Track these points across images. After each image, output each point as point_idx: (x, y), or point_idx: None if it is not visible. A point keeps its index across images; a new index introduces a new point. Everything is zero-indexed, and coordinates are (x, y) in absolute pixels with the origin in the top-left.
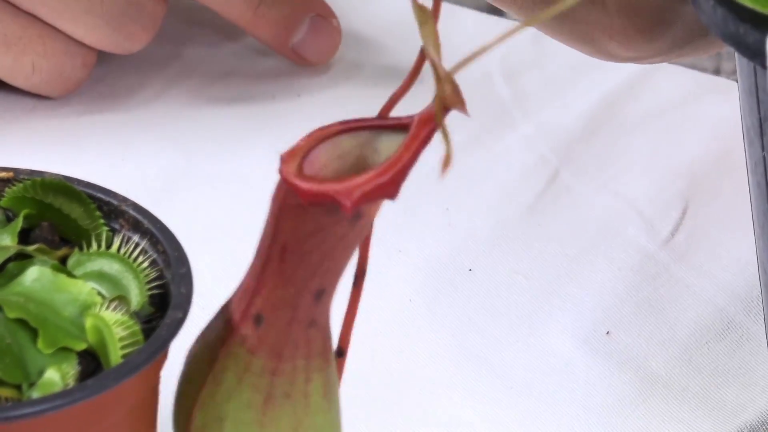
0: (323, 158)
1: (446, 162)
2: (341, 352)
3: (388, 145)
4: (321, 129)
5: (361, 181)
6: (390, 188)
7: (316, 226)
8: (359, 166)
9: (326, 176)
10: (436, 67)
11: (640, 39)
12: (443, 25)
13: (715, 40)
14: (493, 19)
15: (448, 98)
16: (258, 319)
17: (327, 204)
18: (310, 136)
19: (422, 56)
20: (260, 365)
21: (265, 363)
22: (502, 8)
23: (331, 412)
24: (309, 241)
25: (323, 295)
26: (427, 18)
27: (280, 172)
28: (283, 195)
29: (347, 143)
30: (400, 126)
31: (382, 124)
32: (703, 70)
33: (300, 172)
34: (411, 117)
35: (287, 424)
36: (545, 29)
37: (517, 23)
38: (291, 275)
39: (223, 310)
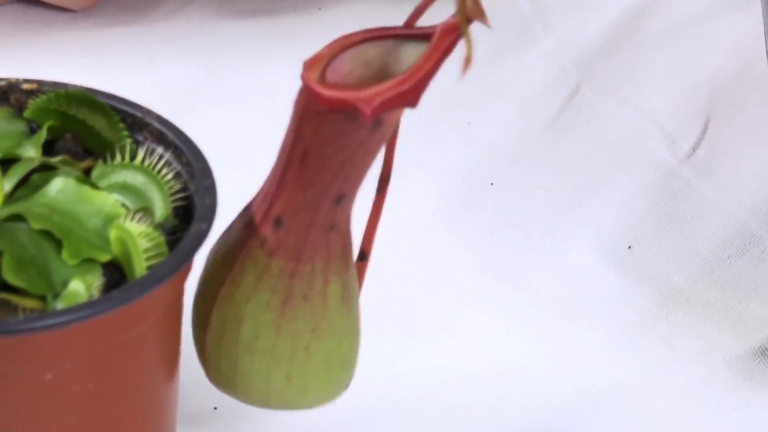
0: (347, 65)
1: (467, 62)
2: (364, 256)
3: (412, 54)
4: (345, 37)
5: (382, 89)
6: (410, 96)
7: (336, 132)
8: (383, 75)
9: (349, 83)
10: None
11: None
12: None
13: None
14: None
15: (470, 10)
16: (278, 222)
17: (347, 111)
18: (333, 43)
19: None
20: (279, 267)
21: (283, 265)
22: None
23: (350, 316)
24: (329, 146)
25: (343, 200)
26: None
27: (302, 78)
28: (305, 101)
29: (371, 51)
30: (424, 36)
31: (407, 33)
32: None
33: (322, 79)
34: (434, 27)
35: (304, 325)
36: None
37: None
38: (311, 180)
39: (243, 214)
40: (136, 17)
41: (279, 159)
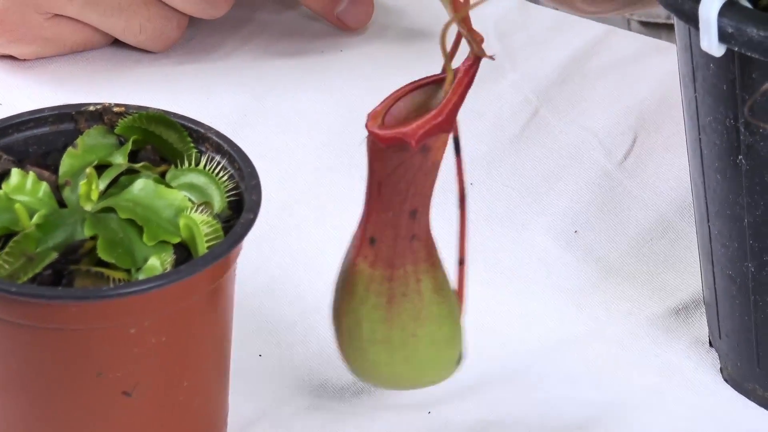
0: (402, 111)
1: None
2: (462, 261)
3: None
4: (397, 90)
5: (422, 122)
6: (444, 125)
7: (397, 161)
8: (428, 112)
9: (403, 124)
10: (471, 34)
11: None
12: None
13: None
14: None
15: (478, 52)
16: (372, 240)
17: (400, 144)
18: (389, 96)
19: (459, 34)
20: (379, 275)
21: (382, 273)
22: None
23: (444, 304)
24: (395, 173)
25: (417, 213)
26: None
27: (366, 126)
28: (371, 143)
29: (418, 97)
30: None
31: (440, 77)
32: (656, 16)
33: (382, 125)
34: (457, 69)
35: (408, 316)
36: None
37: None
38: (388, 202)
39: (350, 244)
40: (201, 57)
41: (366, 193)
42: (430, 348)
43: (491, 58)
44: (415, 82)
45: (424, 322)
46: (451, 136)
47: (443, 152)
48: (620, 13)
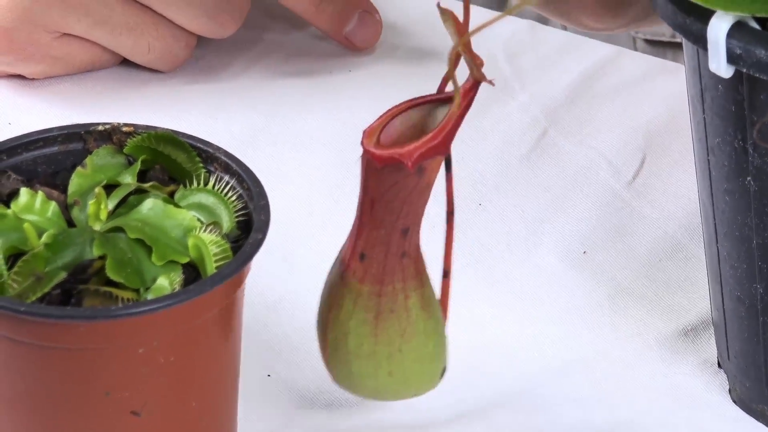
0: (398, 129)
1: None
2: (446, 274)
3: (443, 113)
4: (393, 107)
5: (418, 144)
6: (441, 147)
7: (392, 181)
8: (423, 132)
9: (399, 143)
10: (472, 58)
11: (607, 15)
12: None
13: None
14: (494, 13)
15: (477, 76)
16: (362, 256)
17: (396, 164)
18: (385, 114)
19: (458, 54)
20: (368, 290)
21: (371, 288)
22: None
23: (431, 320)
24: (389, 192)
25: (408, 232)
26: (447, 18)
27: (362, 144)
28: (366, 162)
29: (414, 115)
30: (450, 98)
31: (438, 98)
32: (661, 34)
33: (378, 143)
34: (459, 89)
35: (395, 331)
36: (538, 8)
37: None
38: (381, 220)
39: (338, 257)
40: (210, 77)
41: (357, 209)
42: (415, 363)
43: (491, 83)
44: (411, 100)
45: (410, 338)
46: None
47: (437, 172)
48: (626, 30)
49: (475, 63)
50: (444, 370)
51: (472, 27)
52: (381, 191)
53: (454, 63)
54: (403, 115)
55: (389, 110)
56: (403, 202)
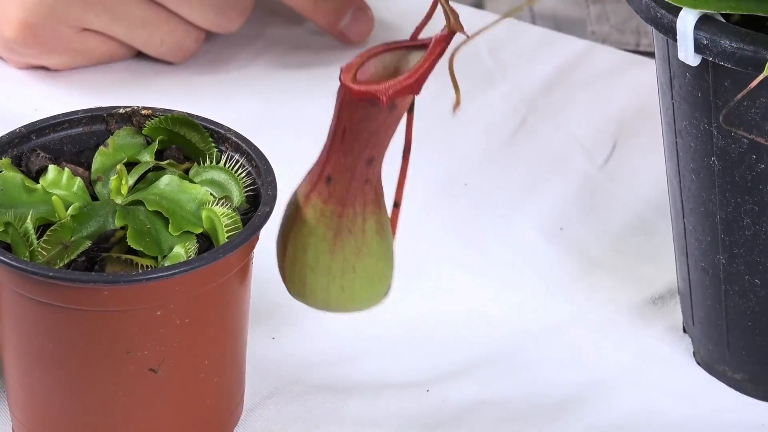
0: (372, 69)
1: (458, 104)
2: (396, 204)
3: (416, 58)
4: (370, 49)
5: (393, 83)
6: (414, 87)
7: (364, 114)
8: (396, 74)
9: (372, 81)
10: (449, 9)
11: None
12: (442, 18)
13: None
14: (479, 12)
15: (454, 25)
16: (328, 180)
17: (371, 99)
18: (362, 54)
19: (434, 5)
20: (330, 210)
21: (333, 209)
22: None
23: (383, 243)
24: (360, 124)
25: (373, 161)
26: None
27: (340, 79)
28: (343, 94)
29: (389, 58)
30: (424, 45)
31: (412, 44)
32: (626, 44)
33: (354, 79)
34: (430, 38)
35: (351, 250)
36: None
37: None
38: (349, 148)
39: (305, 178)
40: (218, 68)
41: (328, 136)
42: (365, 281)
43: (465, 34)
44: (386, 44)
45: (364, 257)
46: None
47: (405, 110)
48: None
49: (452, 12)
50: (388, 290)
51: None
52: (353, 122)
53: (428, 14)
54: (379, 57)
55: (366, 51)
56: (371, 134)
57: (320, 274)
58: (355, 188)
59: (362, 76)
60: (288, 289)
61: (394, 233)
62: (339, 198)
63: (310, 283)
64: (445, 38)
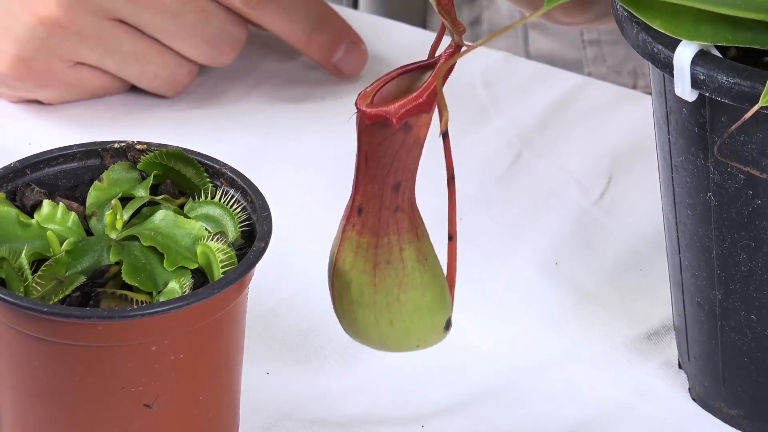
0: (391, 92)
1: (444, 124)
2: (451, 237)
3: (428, 76)
4: (387, 74)
5: (403, 102)
6: (424, 106)
7: (381, 137)
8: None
9: (388, 104)
10: (452, 23)
11: (576, 10)
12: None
13: None
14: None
15: (459, 40)
16: (360, 210)
17: (383, 120)
18: (379, 79)
19: (442, 27)
20: (366, 242)
21: (368, 240)
22: None
23: (428, 273)
24: (380, 148)
25: (400, 186)
26: None
27: (356, 104)
28: (359, 120)
29: (405, 80)
30: (436, 63)
31: (427, 63)
32: (623, 85)
33: (370, 104)
34: (440, 56)
35: (392, 281)
36: (514, 1)
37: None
38: (374, 175)
39: (343, 214)
40: (211, 102)
41: (355, 167)
42: (413, 313)
43: (468, 45)
44: (402, 67)
45: (407, 288)
46: (439, 122)
47: (425, 131)
48: (594, 26)
49: (456, 28)
50: (448, 324)
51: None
52: (372, 147)
53: (440, 32)
54: (396, 80)
55: (383, 76)
56: (392, 158)
57: (367, 309)
58: (386, 217)
59: (380, 100)
60: (343, 328)
61: (452, 267)
62: (372, 228)
63: (360, 320)
64: (451, 54)
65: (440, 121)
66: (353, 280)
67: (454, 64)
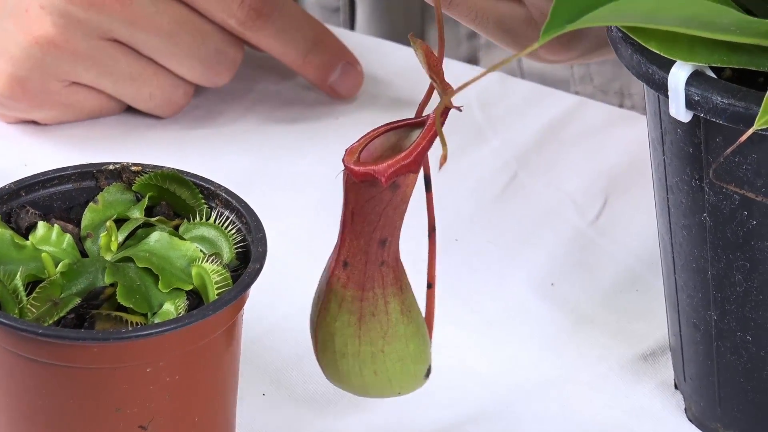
0: (378, 149)
1: (443, 160)
2: (430, 285)
3: (416, 135)
4: (373, 130)
5: (392, 162)
6: (412, 165)
7: (369, 195)
8: (400, 153)
9: (375, 161)
10: (441, 84)
11: (561, 48)
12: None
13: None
14: (474, 69)
15: (447, 103)
16: (345, 264)
17: (371, 179)
18: (366, 135)
19: (432, 85)
20: (351, 295)
21: (354, 293)
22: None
23: (412, 324)
24: (367, 205)
25: (386, 242)
26: (417, 47)
27: (343, 161)
28: (347, 177)
29: (392, 137)
30: (424, 122)
31: (414, 121)
32: (610, 104)
33: (358, 161)
34: (428, 116)
35: (377, 334)
36: (499, 41)
37: (492, 65)
38: (360, 230)
39: (326, 266)
40: (207, 123)
41: (341, 221)
42: (397, 363)
43: (459, 109)
44: (389, 123)
45: (391, 340)
46: (422, 175)
47: (412, 189)
48: (580, 62)
49: (445, 90)
50: (429, 371)
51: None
52: (360, 204)
53: (428, 92)
54: (383, 137)
55: (370, 132)
56: (379, 215)
57: (351, 360)
58: (372, 271)
59: (367, 157)
60: (325, 375)
61: (431, 314)
62: (357, 282)
63: (343, 370)
64: (441, 115)
65: (443, 150)
66: (337, 332)
67: (443, 125)
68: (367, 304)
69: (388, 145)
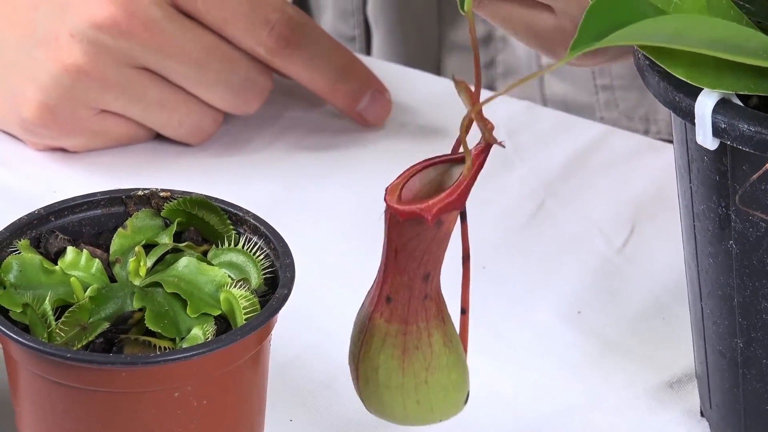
0: (417, 186)
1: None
2: (464, 311)
3: (458, 171)
4: (412, 166)
5: (437, 200)
6: (456, 203)
7: (413, 233)
8: (440, 189)
9: (418, 199)
10: (483, 124)
11: (589, 54)
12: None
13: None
14: (489, 93)
15: (488, 138)
16: (388, 299)
17: (417, 218)
18: (404, 173)
19: (471, 121)
20: (395, 329)
21: (397, 327)
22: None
23: (452, 355)
24: (411, 243)
25: (430, 277)
26: (461, 88)
27: (386, 200)
28: (390, 216)
29: (431, 173)
30: (463, 159)
31: (453, 157)
32: (635, 131)
33: (399, 198)
34: (463, 152)
35: (420, 365)
36: (529, 45)
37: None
38: (404, 267)
39: (365, 300)
40: (235, 150)
41: (382, 258)
42: (439, 393)
43: (501, 145)
44: (427, 160)
45: (434, 371)
46: None
47: (454, 224)
48: (603, 64)
49: (486, 128)
50: (467, 397)
51: (482, 97)
52: (403, 242)
53: (466, 128)
54: (421, 174)
55: (409, 169)
56: (423, 252)
57: (395, 392)
58: (416, 305)
59: (407, 195)
60: (365, 406)
61: (465, 339)
62: (401, 316)
63: (386, 401)
64: (483, 151)
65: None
66: (381, 365)
67: (484, 162)
68: (411, 338)
69: (426, 182)
